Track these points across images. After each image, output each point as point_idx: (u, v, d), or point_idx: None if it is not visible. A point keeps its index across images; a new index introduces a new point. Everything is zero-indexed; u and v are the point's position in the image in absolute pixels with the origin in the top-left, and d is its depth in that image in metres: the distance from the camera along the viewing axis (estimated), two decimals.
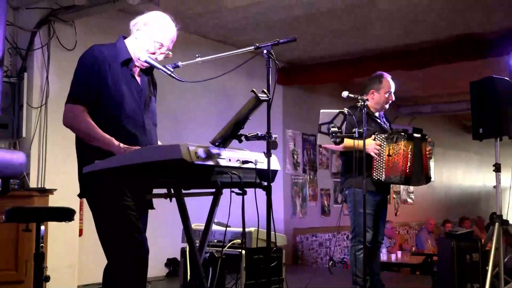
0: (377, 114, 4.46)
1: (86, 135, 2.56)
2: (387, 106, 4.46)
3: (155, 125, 2.84)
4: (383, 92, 4.39)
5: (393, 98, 4.46)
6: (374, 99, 4.38)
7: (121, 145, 2.50)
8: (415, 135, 4.21)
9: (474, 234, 4.87)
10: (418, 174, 4.22)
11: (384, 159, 4.16)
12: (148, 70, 2.84)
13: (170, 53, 2.79)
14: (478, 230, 9.93)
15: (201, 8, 6.09)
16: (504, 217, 4.73)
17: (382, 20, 6.52)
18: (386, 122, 4.52)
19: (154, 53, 2.73)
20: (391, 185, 4.49)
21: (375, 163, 4.18)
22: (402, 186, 11.52)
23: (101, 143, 2.52)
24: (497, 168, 4.80)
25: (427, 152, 4.28)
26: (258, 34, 6.75)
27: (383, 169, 4.16)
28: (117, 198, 2.53)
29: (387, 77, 4.46)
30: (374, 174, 4.18)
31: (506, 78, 4.92)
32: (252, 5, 5.97)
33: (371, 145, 4.15)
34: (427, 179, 4.32)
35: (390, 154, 4.14)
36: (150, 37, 2.72)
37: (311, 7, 6.06)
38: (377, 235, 4.33)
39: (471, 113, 4.97)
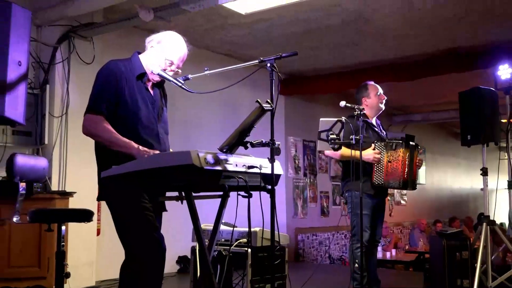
0: (374, 122, 4.43)
1: (107, 141, 2.56)
2: (382, 106, 4.37)
3: (167, 133, 2.84)
4: (373, 94, 4.35)
5: (385, 97, 4.39)
6: (368, 105, 4.34)
7: (141, 147, 2.50)
8: (411, 143, 4.19)
9: (463, 233, 4.84)
10: (411, 179, 4.20)
11: (383, 165, 4.12)
12: (159, 83, 2.85)
13: (180, 70, 2.80)
14: (467, 229, 9.84)
15: (209, 25, 6.11)
16: (491, 218, 4.72)
17: (376, 35, 6.52)
18: (382, 130, 4.48)
19: (164, 70, 2.73)
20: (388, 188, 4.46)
21: (375, 169, 4.14)
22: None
23: (122, 148, 2.51)
24: (485, 172, 4.80)
25: (417, 160, 4.27)
26: (262, 49, 6.77)
27: (383, 175, 4.13)
28: (136, 200, 2.52)
29: (371, 82, 4.44)
30: (375, 179, 4.14)
31: (492, 88, 4.91)
32: (256, 22, 5.99)
33: (370, 154, 4.10)
34: (414, 186, 4.27)
35: (390, 160, 4.10)
36: (162, 54, 2.73)
37: (310, 23, 6.07)
38: (375, 235, 4.30)
39: (459, 121, 4.96)
